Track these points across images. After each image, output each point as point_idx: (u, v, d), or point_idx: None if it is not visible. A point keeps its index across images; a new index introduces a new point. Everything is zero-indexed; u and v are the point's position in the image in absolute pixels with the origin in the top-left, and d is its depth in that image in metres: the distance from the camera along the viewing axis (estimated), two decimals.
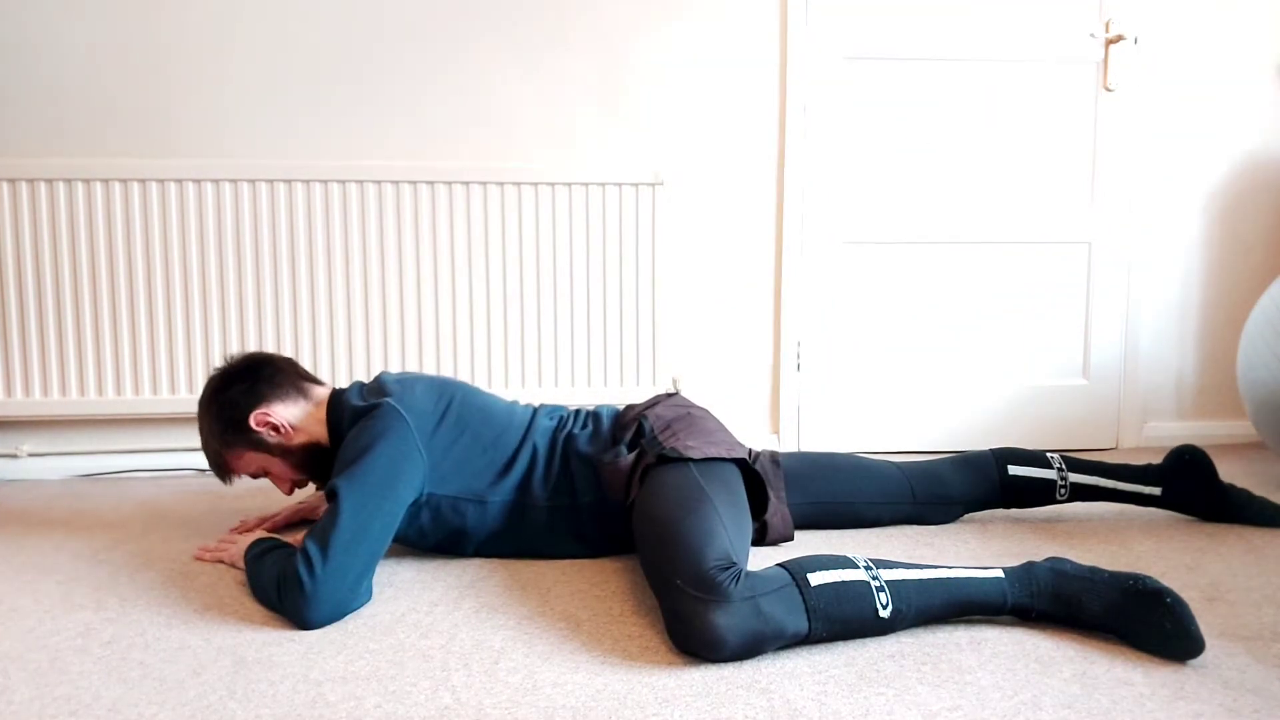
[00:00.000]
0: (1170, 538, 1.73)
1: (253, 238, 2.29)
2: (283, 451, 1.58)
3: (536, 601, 1.42)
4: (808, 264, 2.51)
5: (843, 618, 1.23)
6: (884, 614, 1.25)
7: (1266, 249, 2.63)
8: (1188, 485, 1.80)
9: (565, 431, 1.63)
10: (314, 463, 1.60)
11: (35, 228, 2.24)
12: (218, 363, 2.30)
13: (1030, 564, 1.33)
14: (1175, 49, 2.54)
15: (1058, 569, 1.32)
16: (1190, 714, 1.06)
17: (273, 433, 1.57)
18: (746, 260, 2.50)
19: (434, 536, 1.58)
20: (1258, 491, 2.08)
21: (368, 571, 1.39)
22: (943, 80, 2.49)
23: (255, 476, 1.64)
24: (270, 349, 2.31)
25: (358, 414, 1.54)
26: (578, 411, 1.71)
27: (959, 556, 1.62)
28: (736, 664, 1.19)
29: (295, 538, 1.61)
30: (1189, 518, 1.86)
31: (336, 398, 1.59)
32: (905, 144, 2.51)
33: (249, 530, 1.75)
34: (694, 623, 1.19)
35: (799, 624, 1.21)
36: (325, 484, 1.59)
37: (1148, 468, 1.83)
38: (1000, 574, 1.31)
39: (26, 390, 2.26)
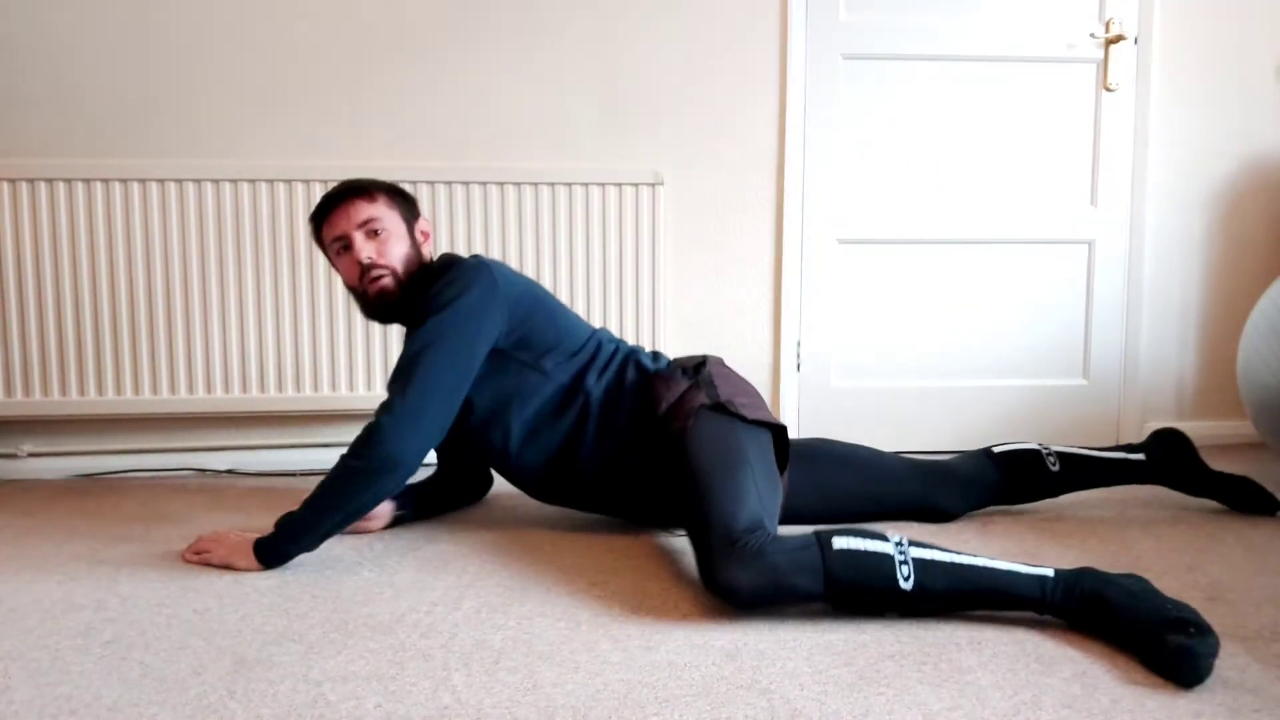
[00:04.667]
0: (1170, 537, 1.73)
1: (253, 238, 2.29)
2: (407, 248, 1.70)
3: (536, 601, 1.42)
4: (807, 264, 2.51)
5: (861, 582, 1.27)
6: (905, 585, 1.27)
7: (1267, 249, 2.63)
8: (1170, 455, 1.86)
9: (629, 347, 1.78)
10: (408, 286, 1.68)
11: (35, 228, 2.24)
12: (217, 363, 2.31)
13: (1084, 569, 1.30)
14: (1175, 49, 2.54)
15: (1107, 579, 1.28)
16: (1190, 714, 1.06)
17: (421, 236, 1.75)
18: (746, 260, 2.50)
19: (485, 399, 1.66)
20: None
21: (444, 412, 1.55)
22: (942, 80, 2.49)
23: (370, 233, 1.67)
24: (270, 348, 2.32)
25: (448, 264, 1.68)
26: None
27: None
28: (736, 664, 1.19)
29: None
30: (1186, 509, 1.86)
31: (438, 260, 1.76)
32: (905, 144, 2.51)
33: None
34: (716, 573, 1.32)
35: (814, 584, 1.28)
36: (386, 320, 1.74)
37: (1129, 446, 1.90)
38: (1050, 572, 1.29)
39: (26, 390, 2.26)
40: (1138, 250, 2.57)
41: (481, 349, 1.61)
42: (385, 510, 1.79)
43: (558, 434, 1.69)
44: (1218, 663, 1.18)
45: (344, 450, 1.55)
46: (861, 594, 1.28)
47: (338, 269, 1.74)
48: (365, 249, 1.65)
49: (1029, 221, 2.54)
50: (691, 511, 1.43)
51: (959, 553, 1.32)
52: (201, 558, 1.61)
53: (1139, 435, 2.60)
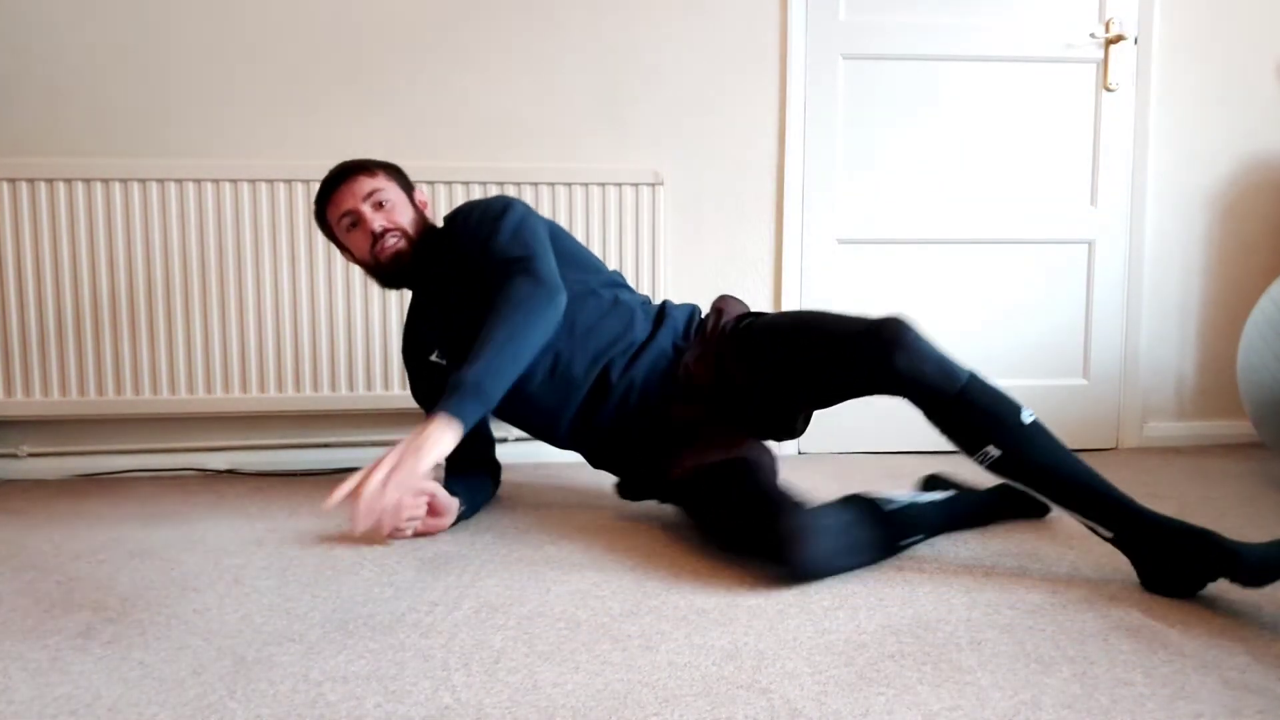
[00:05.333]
0: None
1: (253, 238, 2.29)
2: (412, 213, 1.80)
3: (536, 601, 1.42)
4: (807, 263, 2.51)
5: (991, 394, 1.42)
6: (1026, 419, 1.39)
7: (1267, 249, 2.63)
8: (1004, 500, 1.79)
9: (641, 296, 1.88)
10: (419, 247, 1.77)
11: (35, 228, 2.24)
12: (217, 363, 2.31)
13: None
14: (1175, 49, 2.54)
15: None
16: (1191, 714, 1.06)
17: (421, 204, 1.85)
18: (746, 260, 2.50)
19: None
20: (1258, 492, 2.08)
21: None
22: (942, 80, 2.49)
23: (376, 205, 1.75)
24: (270, 348, 2.32)
25: (469, 206, 1.79)
26: None
27: (959, 556, 1.62)
28: (736, 664, 1.19)
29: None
30: (1186, 509, 1.86)
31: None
32: (905, 144, 2.51)
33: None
34: (884, 340, 1.43)
35: (957, 375, 1.42)
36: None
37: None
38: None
39: (26, 390, 2.26)
40: (1138, 250, 2.57)
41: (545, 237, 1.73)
42: (453, 506, 1.74)
43: (609, 336, 1.73)
44: (1218, 662, 1.18)
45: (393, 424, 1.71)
46: (989, 405, 1.40)
47: (347, 246, 1.80)
48: (375, 218, 1.74)
49: (1029, 221, 2.54)
50: (817, 339, 1.54)
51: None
52: (398, 498, 1.49)
53: (1139, 435, 2.61)
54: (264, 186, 2.29)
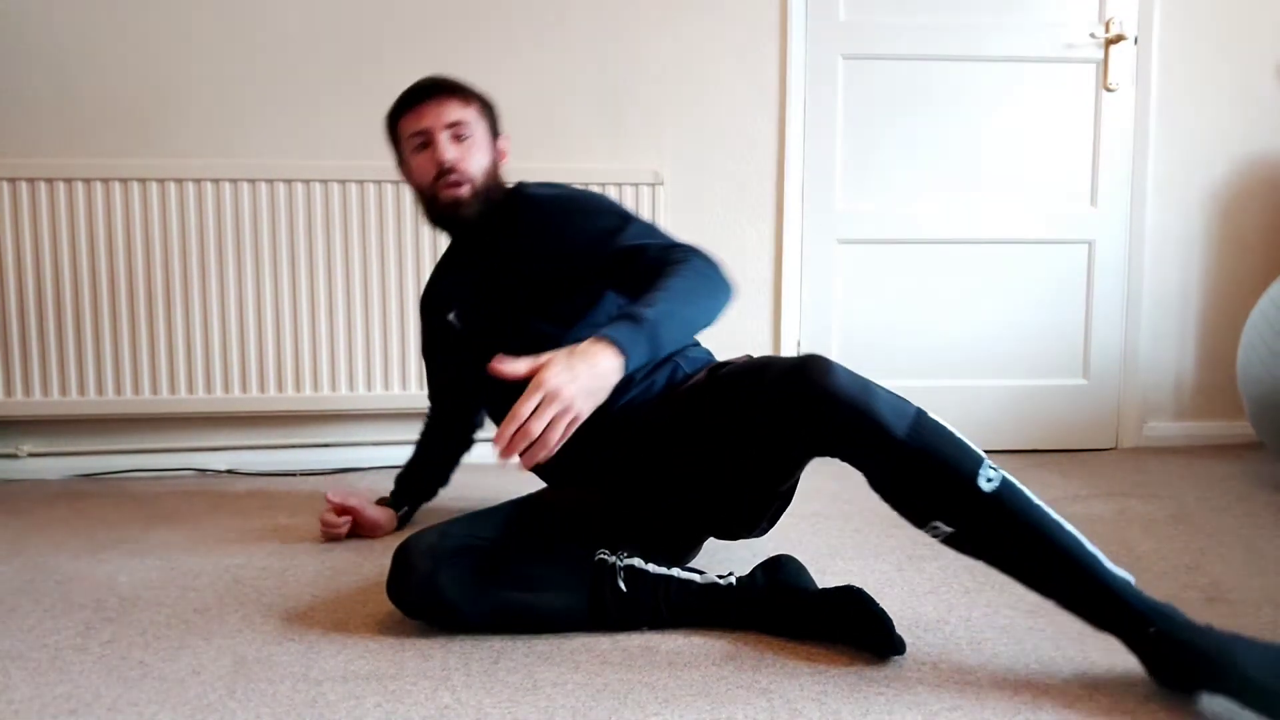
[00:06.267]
0: (1171, 538, 1.73)
1: (253, 238, 2.29)
2: (488, 162, 1.59)
3: None
4: (807, 263, 2.51)
5: (941, 452, 1.10)
6: (984, 485, 1.09)
7: (1266, 249, 2.63)
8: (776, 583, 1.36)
9: None
10: (481, 200, 1.58)
11: (35, 228, 2.24)
12: (217, 363, 2.31)
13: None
14: (1175, 49, 2.54)
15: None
16: (1191, 715, 1.06)
17: (499, 154, 1.64)
18: (746, 260, 2.50)
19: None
20: (1257, 492, 2.08)
21: None
22: (942, 80, 2.49)
23: (456, 137, 1.56)
24: (270, 348, 2.32)
25: (554, 190, 1.62)
26: None
27: (959, 556, 1.62)
28: (736, 664, 1.19)
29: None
30: (1186, 509, 1.85)
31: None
32: (905, 143, 2.51)
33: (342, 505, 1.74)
34: (813, 378, 1.14)
35: (899, 422, 1.11)
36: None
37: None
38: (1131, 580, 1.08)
39: (26, 390, 2.26)
40: (1138, 250, 2.57)
41: None
42: (387, 520, 1.78)
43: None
44: None
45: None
46: (938, 465, 1.09)
47: (407, 166, 1.62)
48: (449, 150, 1.55)
49: (1029, 221, 2.54)
50: (761, 368, 1.25)
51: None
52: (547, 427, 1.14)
53: (1139, 435, 2.61)
54: (264, 186, 2.29)
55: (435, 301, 1.74)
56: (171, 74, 2.32)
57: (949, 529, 1.12)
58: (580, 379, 1.14)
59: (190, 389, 2.31)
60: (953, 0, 2.47)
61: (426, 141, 1.56)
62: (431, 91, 1.57)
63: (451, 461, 1.92)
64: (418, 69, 2.36)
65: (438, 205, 1.58)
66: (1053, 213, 2.54)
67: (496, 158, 1.63)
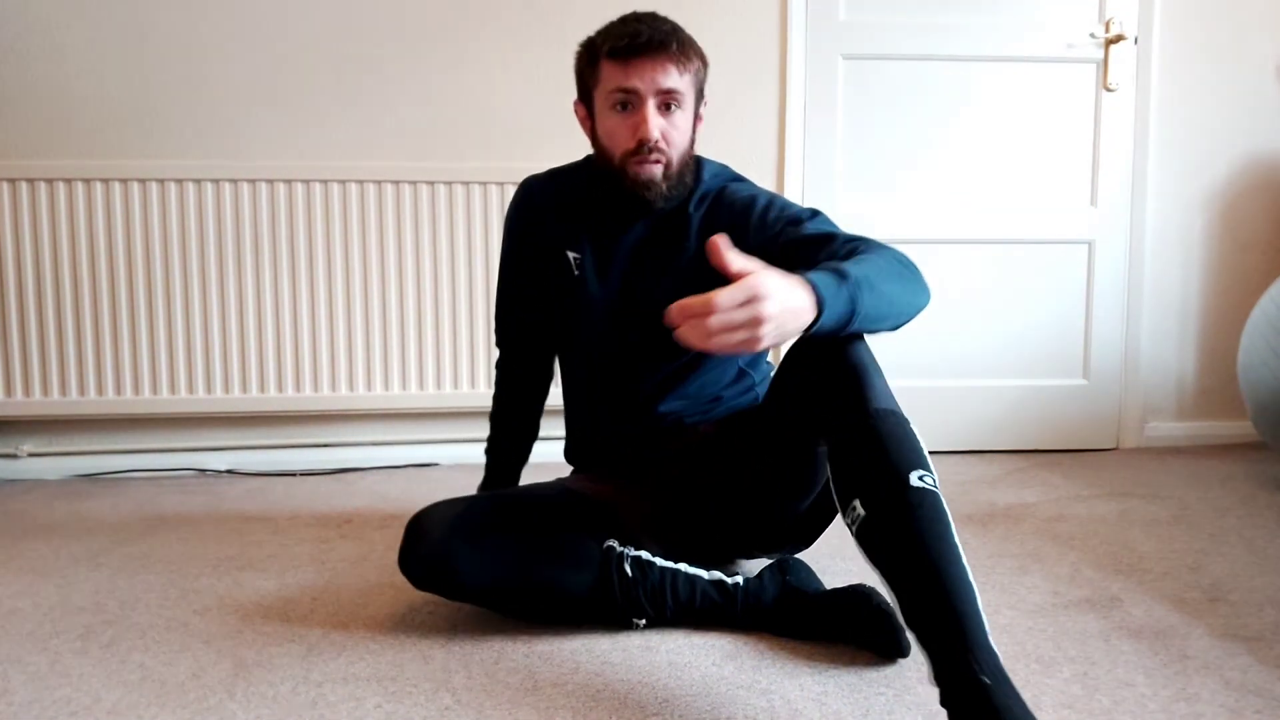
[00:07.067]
0: (1172, 539, 1.73)
1: (253, 238, 2.29)
2: (688, 140, 1.41)
3: None
4: None
5: (897, 435, 1.09)
6: (916, 480, 1.05)
7: (1266, 249, 2.63)
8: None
9: None
10: (673, 179, 1.40)
11: (35, 228, 2.24)
12: (217, 363, 2.30)
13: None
14: (1175, 49, 2.53)
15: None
16: (1192, 715, 1.05)
17: (698, 123, 1.45)
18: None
19: None
20: (1258, 492, 2.08)
21: None
22: (942, 80, 2.49)
23: (665, 106, 1.36)
24: (270, 348, 2.32)
25: (734, 177, 1.53)
26: None
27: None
28: (736, 664, 1.19)
29: None
30: (1187, 509, 1.85)
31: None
32: (905, 144, 2.50)
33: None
34: (871, 397, 1.12)
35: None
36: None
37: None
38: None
39: (26, 390, 2.26)
40: (1138, 250, 2.57)
41: None
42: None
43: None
44: (1220, 663, 1.18)
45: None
46: (884, 450, 1.07)
47: (594, 116, 1.42)
48: (656, 124, 1.35)
49: (1029, 221, 2.54)
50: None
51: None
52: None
53: (1139, 435, 2.60)
54: (264, 186, 2.29)
55: (550, 229, 1.53)
56: (172, 74, 2.32)
57: (863, 512, 1.05)
58: (787, 307, 1.00)
59: (190, 389, 2.31)
60: (953, 0, 2.47)
61: (629, 103, 1.36)
62: (651, 47, 1.33)
63: (537, 408, 1.73)
64: (418, 70, 2.38)
65: (625, 179, 1.39)
66: (1053, 213, 2.54)
67: (696, 125, 1.45)
